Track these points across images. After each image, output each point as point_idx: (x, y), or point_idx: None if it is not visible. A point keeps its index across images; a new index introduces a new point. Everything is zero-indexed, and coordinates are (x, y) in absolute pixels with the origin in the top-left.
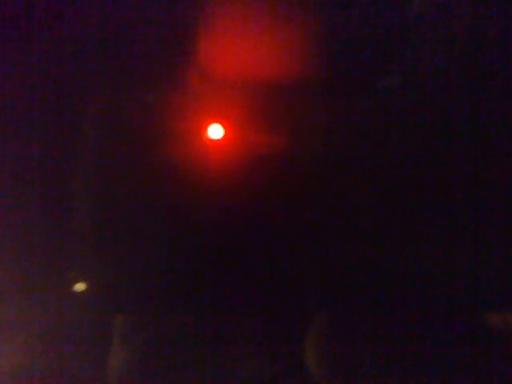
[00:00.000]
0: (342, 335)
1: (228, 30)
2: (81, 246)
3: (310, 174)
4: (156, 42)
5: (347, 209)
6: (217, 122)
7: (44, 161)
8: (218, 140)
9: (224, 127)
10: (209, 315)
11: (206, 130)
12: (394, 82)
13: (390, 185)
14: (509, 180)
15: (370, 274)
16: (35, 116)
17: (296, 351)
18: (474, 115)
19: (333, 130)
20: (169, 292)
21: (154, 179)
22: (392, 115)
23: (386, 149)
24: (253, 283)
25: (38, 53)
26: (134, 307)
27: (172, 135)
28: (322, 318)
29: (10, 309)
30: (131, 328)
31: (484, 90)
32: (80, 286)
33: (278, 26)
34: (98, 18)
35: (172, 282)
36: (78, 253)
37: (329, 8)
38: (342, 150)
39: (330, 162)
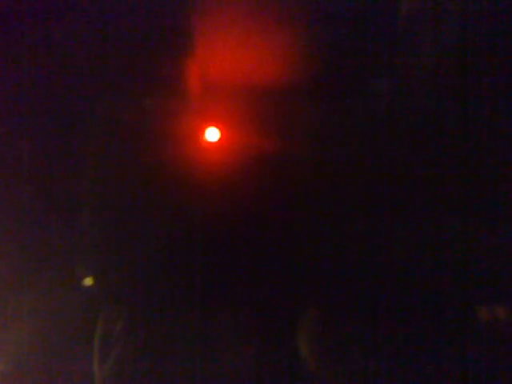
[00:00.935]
0: (334, 330)
1: (225, 39)
2: (83, 244)
3: (302, 175)
4: (155, 49)
5: (339, 209)
6: (213, 125)
7: (50, 162)
8: (214, 142)
9: (220, 130)
10: (205, 311)
11: (203, 132)
12: (388, 86)
13: (382, 186)
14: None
15: (362, 272)
16: (45, 119)
17: (288, 345)
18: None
19: (326, 133)
20: (168, 288)
21: (154, 179)
22: (385, 118)
23: (379, 151)
24: (249, 279)
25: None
26: (135, 303)
27: (171, 138)
28: (315, 313)
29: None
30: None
31: (478, 94)
32: (83, 282)
33: (273, 35)
34: (100, 23)
35: (171, 278)
36: (81, 250)
37: (324, 17)
38: (334, 152)
39: (323, 164)
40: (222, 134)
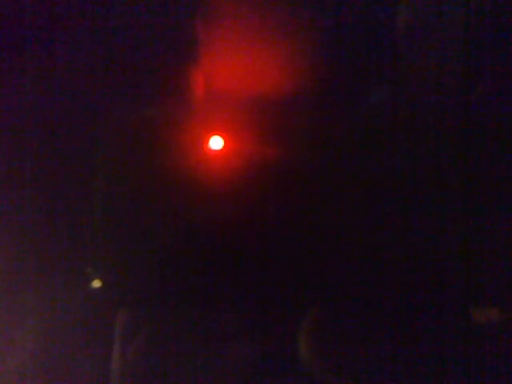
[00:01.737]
0: (334, 328)
1: (230, 48)
2: (90, 247)
3: (306, 182)
4: (159, 59)
5: (340, 215)
6: (217, 134)
7: (63, 168)
8: (218, 150)
9: (224, 139)
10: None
11: (207, 141)
12: (389, 96)
13: (383, 194)
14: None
15: (362, 272)
16: (55, 126)
17: (291, 343)
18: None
19: (329, 141)
20: (177, 288)
21: (159, 186)
22: (385, 128)
23: (379, 160)
24: (252, 282)
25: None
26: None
27: (176, 146)
28: (317, 312)
29: (20, 305)
30: (135, 324)
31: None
32: (94, 284)
33: (278, 45)
34: (103, 34)
35: (178, 279)
36: (87, 253)
37: (325, 26)
38: (338, 159)
39: (326, 171)
40: (225, 143)
